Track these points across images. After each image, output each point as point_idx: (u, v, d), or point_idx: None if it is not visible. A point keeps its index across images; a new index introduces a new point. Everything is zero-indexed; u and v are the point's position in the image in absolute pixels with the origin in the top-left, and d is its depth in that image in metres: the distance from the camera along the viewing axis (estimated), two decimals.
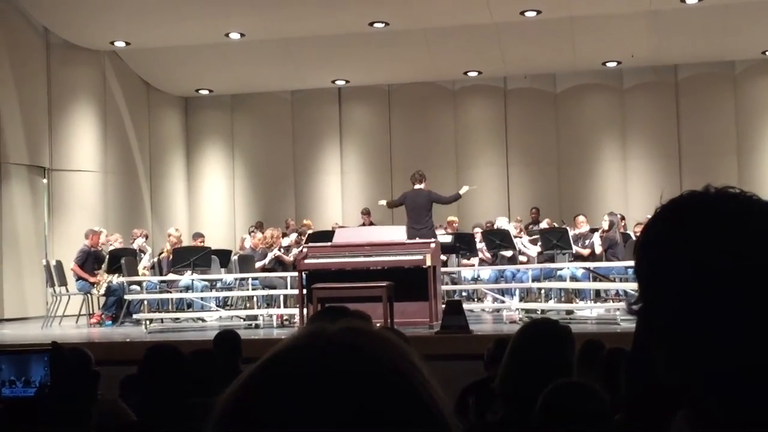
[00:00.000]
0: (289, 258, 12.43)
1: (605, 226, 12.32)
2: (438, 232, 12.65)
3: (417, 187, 11.92)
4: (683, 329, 0.98)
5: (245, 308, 12.72)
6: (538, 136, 17.48)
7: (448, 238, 13.03)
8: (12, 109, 14.56)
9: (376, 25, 14.83)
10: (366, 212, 15.79)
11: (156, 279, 12.86)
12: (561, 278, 11.76)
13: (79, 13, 14.42)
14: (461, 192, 12.26)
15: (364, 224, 15.33)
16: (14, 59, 14.67)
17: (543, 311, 10.98)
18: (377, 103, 18.17)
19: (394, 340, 0.79)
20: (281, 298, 12.03)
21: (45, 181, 15.47)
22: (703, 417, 0.99)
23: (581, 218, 13.09)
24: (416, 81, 17.47)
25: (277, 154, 18.27)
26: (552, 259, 12.37)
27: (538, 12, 14.24)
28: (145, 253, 13.58)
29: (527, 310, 11.13)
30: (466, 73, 17.27)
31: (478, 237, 13.51)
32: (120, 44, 15.80)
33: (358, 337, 0.78)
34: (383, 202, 13.13)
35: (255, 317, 11.72)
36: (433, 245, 10.11)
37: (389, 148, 18.07)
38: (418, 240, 10.54)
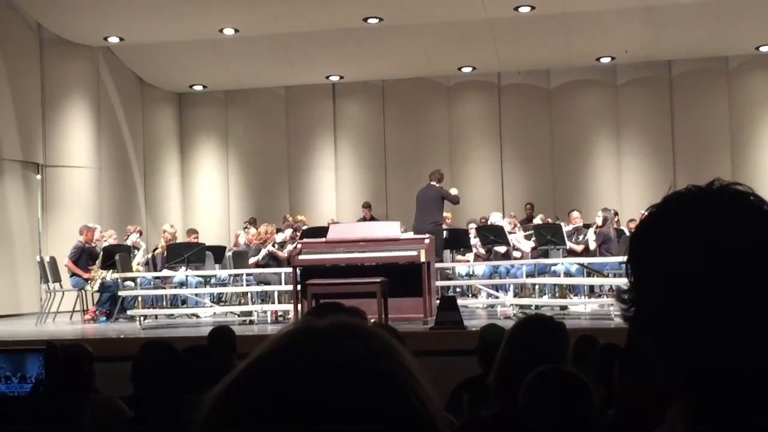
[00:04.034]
0: (283, 254, 12.43)
1: (599, 221, 12.33)
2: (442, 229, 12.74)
3: (431, 183, 12.10)
4: (669, 325, 0.99)
5: (239, 304, 12.72)
6: (532, 132, 17.48)
7: (443, 234, 13.04)
8: (5, 105, 14.53)
9: (370, 20, 14.81)
10: (367, 206, 15.80)
11: (150, 275, 12.85)
12: (555, 274, 11.78)
13: (73, 9, 14.39)
14: (453, 193, 12.75)
15: (365, 218, 15.35)
16: (7, 55, 14.63)
17: (537, 307, 10.99)
18: (371, 99, 18.16)
19: (382, 337, 0.79)
20: (275, 294, 12.03)
21: (39, 177, 15.44)
22: (693, 412, 1.00)
23: (575, 214, 13.10)
24: (410, 77, 17.47)
25: (271, 149, 18.26)
26: (546, 255, 12.38)
27: (532, 8, 14.24)
28: (138, 249, 13.57)
29: (521, 306, 11.13)
30: (460, 68, 17.26)
31: (472, 233, 13.52)
32: (114, 40, 15.76)
33: (343, 334, 0.77)
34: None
35: (249, 313, 11.71)
36: (427, 241, 10.12)
37: (383, 143, 18.06)
38: (413, 236, 10.55)
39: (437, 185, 12.20)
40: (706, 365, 0.98)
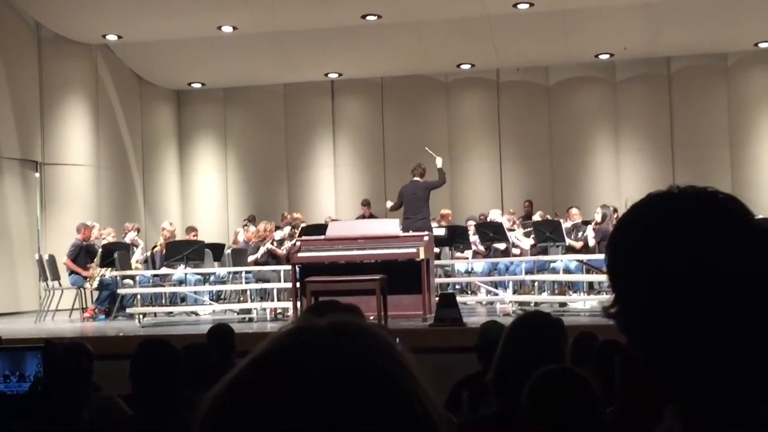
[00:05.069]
0: (282, 251, 12.43)
1: (598, 218, 12.34)
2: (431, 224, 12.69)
3: (415, 179, 12.02)
4: (649, 332, 1.00)
5: (239, 302, 12.73)
6: (531, 129, 17.48)
7: (442, 231, 13.05)
8: (4, 104, 14.52)
9: (368, 17, 14.80)
10: (366, 203, 15.79)
11: (149, 273, 12.85)
12: (554, 270, 11.78)
13: (71, 7, 14.38)
14: (438, 165, 12.23)
15: (363, 215, 15.35)
16: (5, 53, 14.62)
17: (536, 303, 11.01)
18: (370, 96, 18.15)
19: (382, 336, 0.79)
20: (275, 291, 12.03)
21: (37, 175, 15.43)
22: (683, 411, 1.01)
23: (574, 210, 13.12)
24: (409, 74, 17.46)
25: (270, 147, 18.26)
26: (545, 252, 12.39)
27: (531, 4, 14.23)
28: (137, 247, 13.57)
29: (521, 303, 11.15)
30: (458, 65, 17.25)
31: (471, 230, 13.52)
32: (112, 38, 15.75)
33: (343, 334, 0.77)
34: (389, 204, 12.96)
35: (248, 311, 11.72)
36: (426, 238, 10.12)
37: (382, 140, 18.06)
38: (411, 233, 10.55)
39: (421, 180, 12.09)
40: (686, 369, 0.99)
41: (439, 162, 12.27)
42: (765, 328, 0.97)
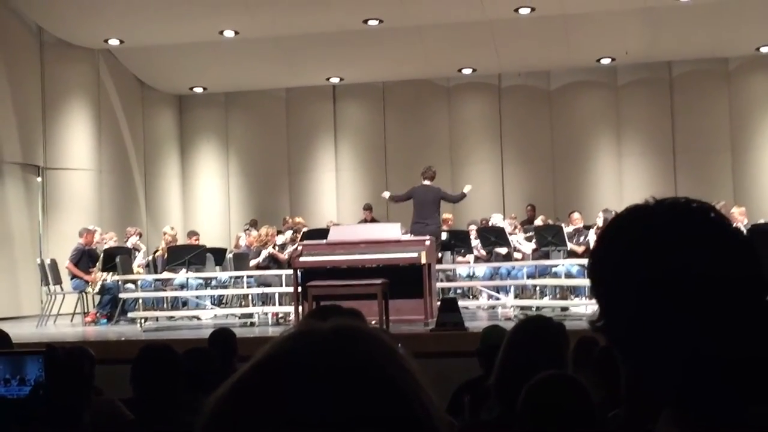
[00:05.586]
0: (284, 256, 12.43)
1: (600, 222, 12.33)
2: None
3: (426, 183, 12.03)
4: (638, 341, 1.02)
5: (240, 306, 12.72)
6: (533, 133, 17.49)
7: (443, 236, 13.04)
8: (6, 108, 14.53)
9: (370, 22, 14.82)
10: (368, 207, 15.78)
11: (151, 277, 12.84)
12: (556, 275, 11.77)
13: (73, 12, 14.40)
14: (465, 191, 12.45)
15: (365, 220, 15.33)
16: (7, 58, 14.63)
17: (538, 308, 11.00)
18: (372, 101, 18.16)
19: (384, 340, 0.80)
20: (276, 296, 12.03)
21: (39, 179, 15.44)
22: (677, 416, 1.02)
23: (576, 215, 13.11)
24: (410, 78, 17.46)
25: (271, 151, 18.26)
26: (547, 256, 12.38)
27: (532, 9, 14.24)
28: (138, 251, 13.57)
29: (522, 307, 11.14)
30: (460, 70, 17.26)
31: (473, 234, 13.51)
32: (114, 42, 15.76)
33: (346, 337, 0.78)
34: (386, 194, 13.04)
35: (250, 315, 11.72)
36: (428, 242, 10.12)
37: (384, 145, 18.06)
38: (413, 237, 10.55)
39: (435, 185, 12.15)
40: (675, 375, 1.00)
41: (467, 189, 12.54)
42: (749, 332, 0.99)
